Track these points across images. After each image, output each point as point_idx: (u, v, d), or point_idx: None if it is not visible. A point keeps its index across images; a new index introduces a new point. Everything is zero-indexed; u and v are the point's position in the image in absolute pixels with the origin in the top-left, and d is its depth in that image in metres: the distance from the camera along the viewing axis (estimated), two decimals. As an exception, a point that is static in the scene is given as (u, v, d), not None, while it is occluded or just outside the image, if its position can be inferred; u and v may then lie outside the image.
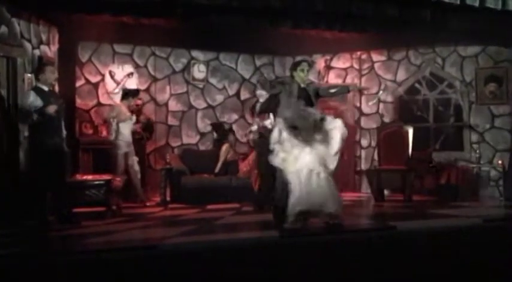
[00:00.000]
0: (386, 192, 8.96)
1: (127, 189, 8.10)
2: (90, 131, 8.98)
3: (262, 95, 7.51)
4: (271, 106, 7.18)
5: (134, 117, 8.33)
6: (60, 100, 6.49)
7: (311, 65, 7.06)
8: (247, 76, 10.35)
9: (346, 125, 6.27)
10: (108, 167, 7.98)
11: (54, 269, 4.29)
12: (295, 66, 6.49)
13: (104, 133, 8.79)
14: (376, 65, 10.19)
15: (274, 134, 6.01)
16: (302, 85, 6.33)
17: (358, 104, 10.29)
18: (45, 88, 6.36)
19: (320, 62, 10.54)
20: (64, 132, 6.58)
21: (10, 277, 4.13)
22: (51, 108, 6.12)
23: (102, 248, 4.95)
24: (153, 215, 7.41)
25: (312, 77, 10.57)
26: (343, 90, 6.91)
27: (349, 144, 9.95)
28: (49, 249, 5.03)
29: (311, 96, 6.40)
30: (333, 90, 6.71)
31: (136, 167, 8.24)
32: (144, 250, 4.85)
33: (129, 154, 8.14)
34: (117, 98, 8.79)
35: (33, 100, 6.19)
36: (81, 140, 8.72)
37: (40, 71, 6.45)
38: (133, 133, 8.32)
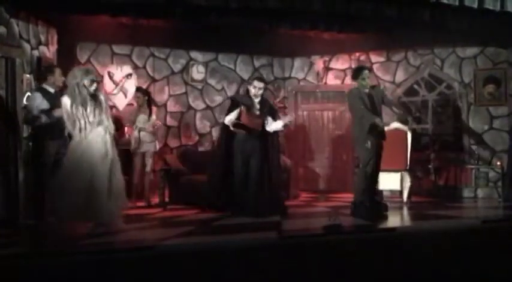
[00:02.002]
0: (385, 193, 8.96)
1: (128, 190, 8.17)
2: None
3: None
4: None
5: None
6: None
7: (370, 69, 7.45)
8: (246, 77, 10.34)
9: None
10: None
11: (54, 269, 4.29)
12: (357, 75, 7.07)
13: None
14: (374, 66, 10.19)
15: None
16: (366, 90, 7.03)
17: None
18: (51, 90, 6.42)
19: (319, 63, 10.55)
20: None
21: (10, 277, 4.13)
22: (59, 111, 6.14)
23: (101, 249, 4.95)
24: (151, 216, 7.41)
25: (311, 78, 10.63)
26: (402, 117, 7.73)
27: (348, 145, 9.95)
28: (48, 249, 5.02)
29: (375, 99, 7.05)
30: (396, 109, 7.52)
31: (148, 168, 8.49)
32: (142, 251, 4.85)
33: (146, 154, 8.45)
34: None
35: (40, 102, 6.26)
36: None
37: (49, 73, 6.57)
38: None
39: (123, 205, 5.96)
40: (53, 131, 6.33)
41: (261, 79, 7.45)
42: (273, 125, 7.21)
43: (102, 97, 5.91)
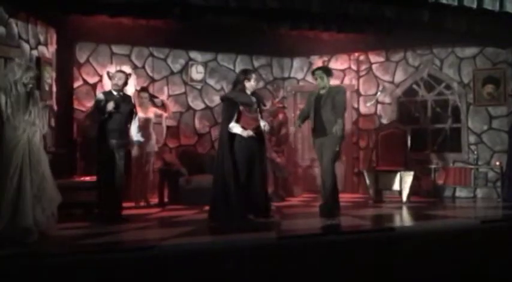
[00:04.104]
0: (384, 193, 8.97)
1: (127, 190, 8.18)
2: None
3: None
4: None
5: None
6: (130, 105, 6.88)
7: (326, 72, 7.33)
8: (245, 77, 10.34)
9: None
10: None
11: (53, 269, 4.29)
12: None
13: None
14: (374, 66, 10.21)
15: None
16: (321, 91, 7.16)
17: (356, 105, 10.30)
18: (115, 92, 6.77)
19: (318, 63, 10.54)
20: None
21: (10, 277, 4.13)
22: (110, 105, 6.53)
23: (100, 249, 4.94)
24: (151, 216, 7.40)
25: (310, 78, 10.62)
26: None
27: (348, 146, 9.97)
28: (48, 249, 5.02)
29: (322, 102, 7.06)
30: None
31: (147, 168, 8.53)
32: (142, 251, 4.85)
33: (147, 154, 8.51)
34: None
35: (100, 101, 6.63)
36: (79, 141, 8.72)
37: (109, 78, 6.96)
38: None
39: (54, 210, 5.61)
40: (110, 131, 6.62)
41: (253, 71, 7.30)
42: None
43: (37, 95, 5.66)
